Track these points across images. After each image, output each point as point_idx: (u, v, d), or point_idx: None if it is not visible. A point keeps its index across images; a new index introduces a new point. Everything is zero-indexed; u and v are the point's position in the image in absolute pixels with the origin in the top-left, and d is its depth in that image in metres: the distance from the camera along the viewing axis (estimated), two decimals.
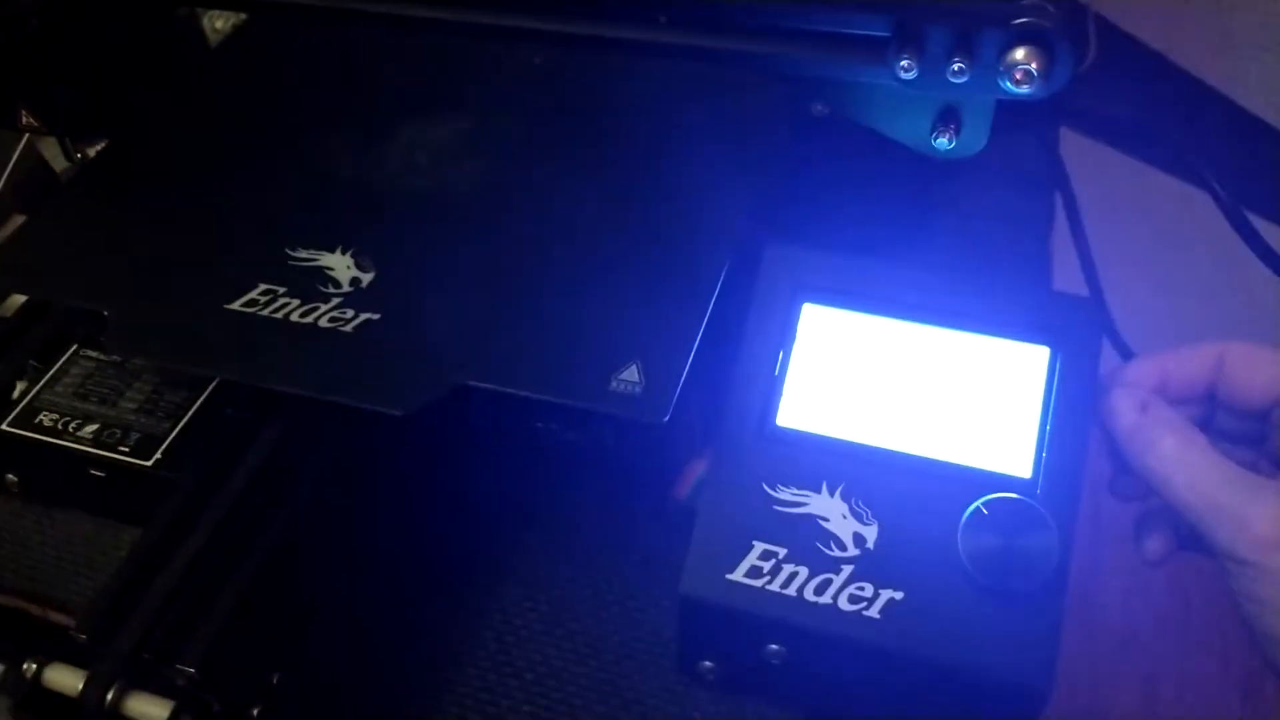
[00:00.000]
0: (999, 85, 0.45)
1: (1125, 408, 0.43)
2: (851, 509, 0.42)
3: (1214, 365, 0.44)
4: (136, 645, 0.42)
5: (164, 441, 0.51)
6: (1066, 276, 0.57)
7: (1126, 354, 0.54)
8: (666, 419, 0.44)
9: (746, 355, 0.45)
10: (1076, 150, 0.59)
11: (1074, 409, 0.43)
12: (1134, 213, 0.94)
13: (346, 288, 0.48)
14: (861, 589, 0.41)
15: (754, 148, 0.56)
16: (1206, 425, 0.45)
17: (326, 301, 0.48)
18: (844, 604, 0.41)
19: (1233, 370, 0.43)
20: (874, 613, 0.41)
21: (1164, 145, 0.55)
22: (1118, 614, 1.23)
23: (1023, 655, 0.39)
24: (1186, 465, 0.40)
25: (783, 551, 0.42)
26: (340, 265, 0.49)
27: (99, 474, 0.51)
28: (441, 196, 0.54)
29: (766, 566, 0.42)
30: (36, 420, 0.52)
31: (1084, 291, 0.55)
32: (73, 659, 0.44)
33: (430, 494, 0.54)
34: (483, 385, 0.45)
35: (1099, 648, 1.22)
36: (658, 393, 0.44)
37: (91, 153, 0.60)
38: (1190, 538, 0.46)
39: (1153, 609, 1.24)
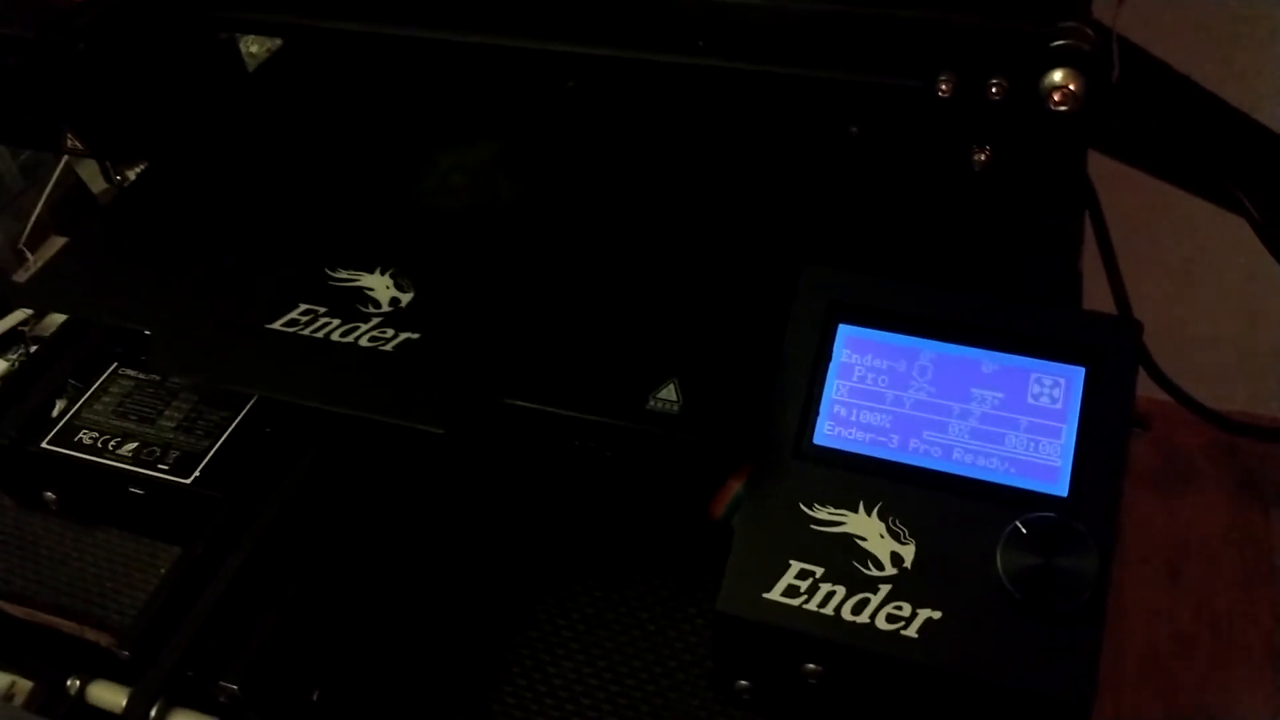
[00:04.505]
0: (1036, 106, 0.45)
1: None
2: (889, 528, 0.42)
3: None
4: (179, 662, 0.43)
5: (203, 460, 0.51)
6: (1095, 298, 0.57)
7: (1155, 374, 0.54)
8: (702, 438, 0.44)
9: (783, 374, 0.45)
10: (1107, 171, 0.59)
11: (1110, 427, 0.43)
12: (1163, 233, 0.94)
13: (386, 307, 0.49)
14: (899, 608, 0.41)
15: (788, 169, 0.57)
16: None
17: (366, 321, 0.48)
18: (881, 623, 0.41)
19: None
20: (912, 632, 0.40)
21: (1197, 169, 0.55)
22: (1140, 632, 1.22)
23: (1063, 674, 0.39)
24: None
25: (820, 570, 0.42)
26: (380, 285, 0.50)
27: (138, 492, 0.52)
28: (479, 217, 0.54)
29: (804, 585, 0.42)
30: (76, 439, 0.53)
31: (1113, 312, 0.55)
32: (116, 676, 0.44)
33: (468, 511, 0.55)
34: (521, 403, 0.45)
35: (1124, 666, 1.21)
36: (695, 411, 0.45)
37: (131, 175, 0.61)
38: None
39: (1176, 626, 1.23)
